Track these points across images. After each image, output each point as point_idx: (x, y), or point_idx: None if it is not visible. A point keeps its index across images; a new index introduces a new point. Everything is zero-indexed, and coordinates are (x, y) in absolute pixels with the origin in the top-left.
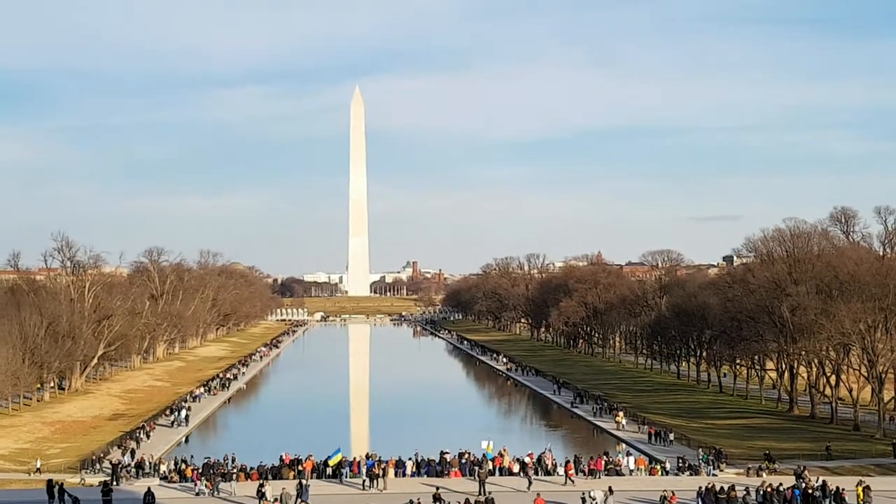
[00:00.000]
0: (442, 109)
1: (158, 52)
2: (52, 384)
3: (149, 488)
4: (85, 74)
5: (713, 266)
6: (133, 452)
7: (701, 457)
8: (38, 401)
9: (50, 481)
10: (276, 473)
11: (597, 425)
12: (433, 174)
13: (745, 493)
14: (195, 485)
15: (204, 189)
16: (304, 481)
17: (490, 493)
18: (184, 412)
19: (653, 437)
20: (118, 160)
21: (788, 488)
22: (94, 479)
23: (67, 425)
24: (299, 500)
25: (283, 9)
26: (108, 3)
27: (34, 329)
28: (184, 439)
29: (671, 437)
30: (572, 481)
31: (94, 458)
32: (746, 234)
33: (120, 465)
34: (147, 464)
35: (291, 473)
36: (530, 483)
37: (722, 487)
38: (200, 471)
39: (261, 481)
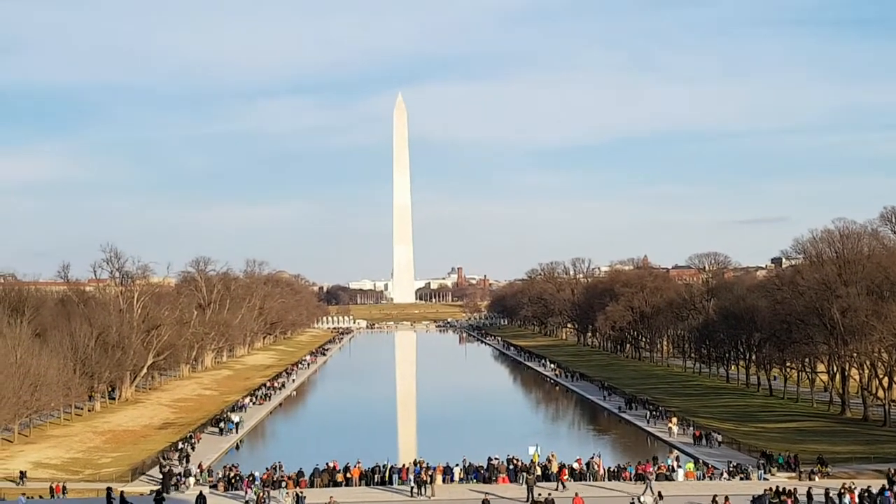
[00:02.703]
0: (484, 116)
1: (203, 64)
2: (102, 394)
3: (200, 492)
4: (131, 89)
5: (761, 268)
6: (186, 459)
7: (777, 458)
8: (88, 411)
9: (109, 490)
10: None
11: (643, 429)
12: (477, 181)
13: (836, 494)
14: (245, 493)
15: (249, 199)
16: (299, 492)
17: (546, 493)
18: (237, 417)
19: (699, 440)
20: (165, 173)
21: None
22: (146, 488)
23: (118, 434)
24: None
25: (325, 18)
26: (154, 18)
27: (84, 339)
28: (235, 447)
29: (718, 438)
30: (564, 486)
31: (144, 466)
32: (794, 235)
33: (170, 473)
34: (197, 472)
35: (340, 476)
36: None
37: (786, 489)
38: (250, 479)
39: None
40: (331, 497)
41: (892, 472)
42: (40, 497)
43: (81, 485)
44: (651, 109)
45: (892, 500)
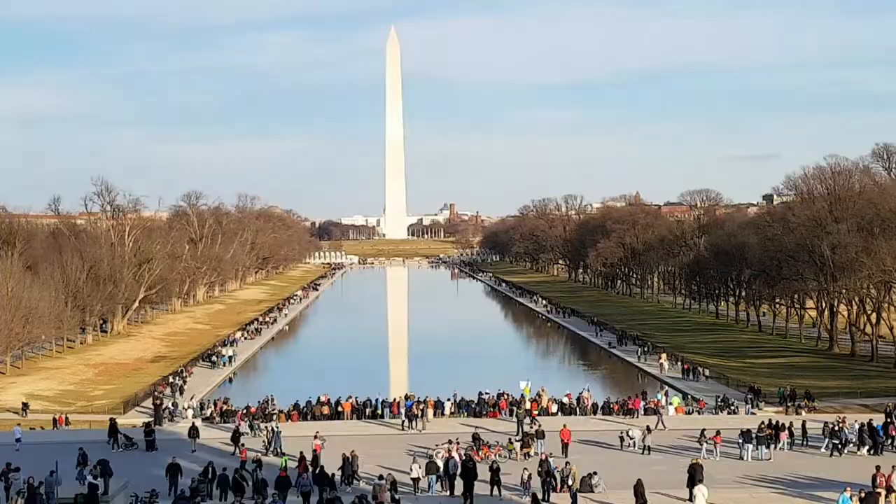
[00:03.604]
0: (479, 52)
1: None
2: (94, 327)
3: (193, 423)
4: (123, 22)
5: (752, 205)
6: (180, 391)
7: (778, 392)
8: (80, 343)
9: (112, 421)
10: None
11: (634, 365)
12: (470, 116)
13: (835, 427)
14: (239, 426)
15: (241, 134)
16: (275, 427)
17: (538, 425)
18: (230, 351)
19: (686, 374)
20: (156, 106)
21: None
22: (138, 420)
23: (110, 367)
24: (271, 447)
25: None
26: None
27: (76, 273)
28: (227, 380)
29: (706, 373)
30: (533, 420)
31: (137, 398)
32: (786, 172)
33: (162, 406)
34: (191, 404)
35: (326, 409)
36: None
37: (780, 422)
38: (244, 412)
39: (244, 422)
40: (317, 432)
41: (892, 406)
42: (41, 428)
43: (84, 416)
44: (646, 45)
45: (882, 435)
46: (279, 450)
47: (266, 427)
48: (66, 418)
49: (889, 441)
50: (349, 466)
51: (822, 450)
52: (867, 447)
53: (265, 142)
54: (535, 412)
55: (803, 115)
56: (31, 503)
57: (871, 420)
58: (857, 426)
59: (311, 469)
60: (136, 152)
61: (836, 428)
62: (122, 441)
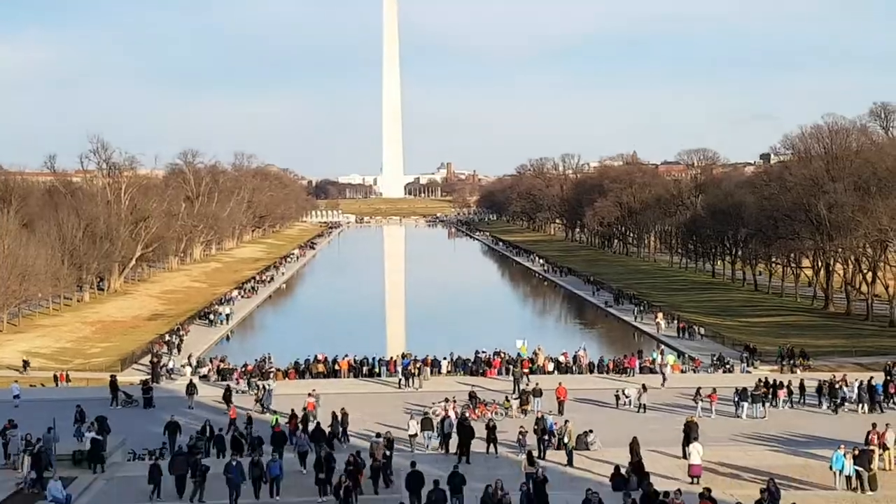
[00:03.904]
0: (476, 10)
1: None
2: (91, 285)
3: (191, 381)
4: None
5: (749, 164)
6: (178, 349)
7: (778, 350)
8: (77, 301)
9: (113, 378)
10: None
11: (630, 324)
12: (468, 75)
13: (836, 385)
14: (237, 383)
15: (238, 92)
16: (267, 385)
17: (533, 383)
18: (227, 309)
19: (682, 333)
20: (153, 64)
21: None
22: (135, 377)
23: (107, 325)
24: (262, 406)
25: None
26: None
27: (72, 230)
28: (225, 338)
29: (701, 331)
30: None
31: (134, 356)
32: (784, 132)
33: (159, 364)
34: (188, 362)
35: (321, 367)
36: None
37: (777, 380)
38: (242, 371)
39: (242, 380)
40: (312, 390)
41: (892, 364)
42: (42, 385)
43: (81, 374)
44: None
45: (882, 393)
46: (269, 407)
47: (258, 385)
48: (67, 375)
49: (888, 399)
50: (338, 424)
51: (822, 408)
52: (865, 405)
53: (262, 100)
54: (527, 370)
55: (802, 74)
56: (37, 462)
57: (871, 378)
58: (856, 384)
59: (301, 426)
60: (131, 110)
61: (836, 386)
62: (121, 398)
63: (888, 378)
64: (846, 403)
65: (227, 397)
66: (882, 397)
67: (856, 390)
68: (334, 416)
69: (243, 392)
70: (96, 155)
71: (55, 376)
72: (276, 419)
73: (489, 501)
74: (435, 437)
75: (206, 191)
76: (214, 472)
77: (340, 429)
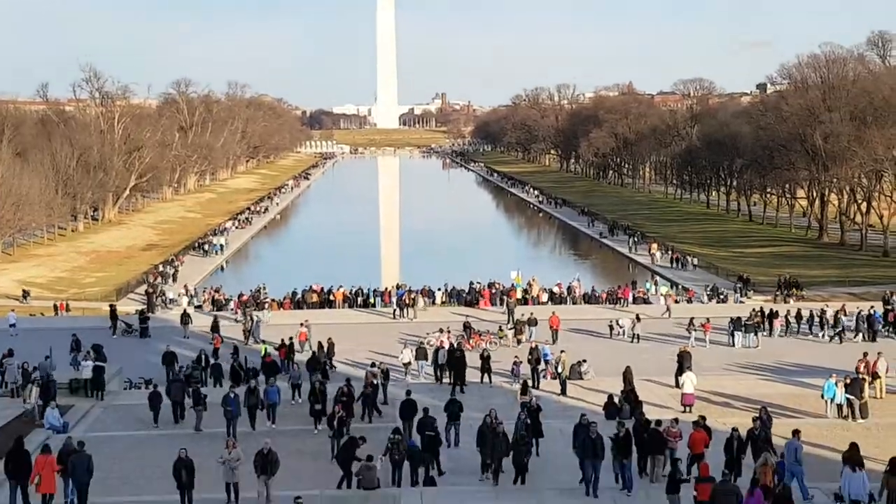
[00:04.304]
0: None
1: None
2: (85, 215)
3: (185, 310)
4: None
5: (746, 94)
6: (174, 278)
7: (777, 281)
8: (72, 231)
9: (112, 307)
10: (299, 303)
11: (625, 255)
12: (463, 4)
13: (826, 313)
14: (236, 314)
15: (231, 21)
16: (256, 315)
17: (530, 313)
18: (221, 240)
19: (675, 263)
20: None
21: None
22: (131, 307)
23: (102, 255)
24: (251, 336)
25: None
26: None
27: (66, 160)
28: (219, 268)
29: (694, 261)
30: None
31: (129, 286)
32: (780, 61)
33: (154, 294)
34: (183, 292)
35: (315, 297)
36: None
37: (773, 310)
38: (238, 301)
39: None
40: (305, 320)
41: (889, 294)
42: (42, 315)
43: (77, 303)
44: None
45: (881, 320)
46: (258, 338)
47: (247, 315)
48: (67, 305)
49: (888, 328)
50: (324, 354)
51: (821, 337)
52: (862, 334)
53: (256, 29)
54: (512, 300)
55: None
56: (45, 392)
57: (872, 308)
58: (855, 314)
59: (292, 356)
60: (125, 39)
61: (836, 315)
62: (121, 328)
63: (888, 307)
64: (845, 332)
65: (214, 327)
66: (882, 325)
67: (854, 320)
68: (320, 345)
69: (239, 322)
70: (89, 84)
71: (55, 306)
72: (266, 349)
73: (487, 431)
74: (428, 365)
75: (200, 121)
76: (211, 400)
77: (326, 359)
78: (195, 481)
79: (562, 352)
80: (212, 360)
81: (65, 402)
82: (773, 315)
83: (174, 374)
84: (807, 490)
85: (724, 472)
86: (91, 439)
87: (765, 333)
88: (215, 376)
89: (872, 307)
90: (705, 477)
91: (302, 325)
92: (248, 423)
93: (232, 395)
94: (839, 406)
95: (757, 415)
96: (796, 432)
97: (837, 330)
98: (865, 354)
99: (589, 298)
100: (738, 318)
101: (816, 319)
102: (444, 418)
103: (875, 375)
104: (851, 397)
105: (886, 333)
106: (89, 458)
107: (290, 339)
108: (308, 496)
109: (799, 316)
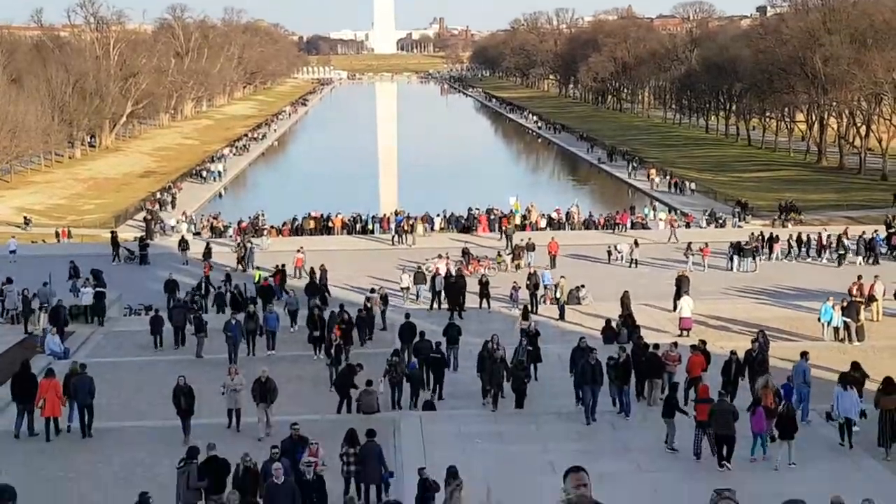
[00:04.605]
0: None
1: None
2: (82, 142)
3: (182, 237)
4: None
5: (746, 17)
6: (172, 205)
7: (778, 205)
8: (69, 158)
9: (114, 234)
10: (297, 229)
11: (623, 180)
12: None
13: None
14: (236, 241)
15: None
16: (249, 243)
17: (528, 238)
18: (219, 166)
19: (674, 188)
20: None
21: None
22: (129, 234)
23: (100, 182)
24: (245, 262)
25: None
26: None
27: (61, 86)
28: (218, 195)
29: (692, 186)
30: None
31: (127, 213)
32: None
33: (153, 221)
34: (181, 219)
35: (311, 224)
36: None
37: (773, 234)
38: (238, 228)
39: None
40: (301, 246)
41: (892, 217)
42: (43, 241)
43: (79, 230)
44: None
45: (882, 244)
46: (252, 264)
47: (241, 241)
48: (69, 231)
49: (890, 251)
50: (314, 279)
51: (822, 260)
52: (863, 258)
53: None
54: (506, 227)
55: None
56: (55, 318)
57: (876, 231)
58: (856, 237)
59: (285, 282)
60: None
61: (839, 238)
62: (123, 254)
63: (891, 231)
64: (848, 255)
65: (206, 254)
66: (884, 249)
67: (856, 243)
68: (312, 271)
69: (238, 247)
70: (83, 9)
71: (56, 232)
72: (260, 275)
73: (487, 357)
74: (426, 290)
75: (196, 47)
76: (211, 327)
77: (320, 284)
78: (195, 407)
79: (562, 277)
80: (212, 289)
81: (66, 329)
82: (773, 239)
83: (175, 301)
84: (807, 411)
85: (721, 392)
86: (92, 365)
87: (765, 258)
88: (217, 303)
89: (876, 231)
90: (704, 398)
91: (298, 251)
92: (247, 350)
93: (233, 322)
94: (836, 329)
95: (754, 338)
96: (804, 354)
97: (840, 253)
98: (859, 277)
99: (587, 224)
100: (739, 243)
101: (815, 243)
102: (443, 343)
103: (872, 298)
104: (848, 320)
105: (889, 257)
106: (91, 380)
107: (283, 265)
108: (308, 421)
109: (800, 240)
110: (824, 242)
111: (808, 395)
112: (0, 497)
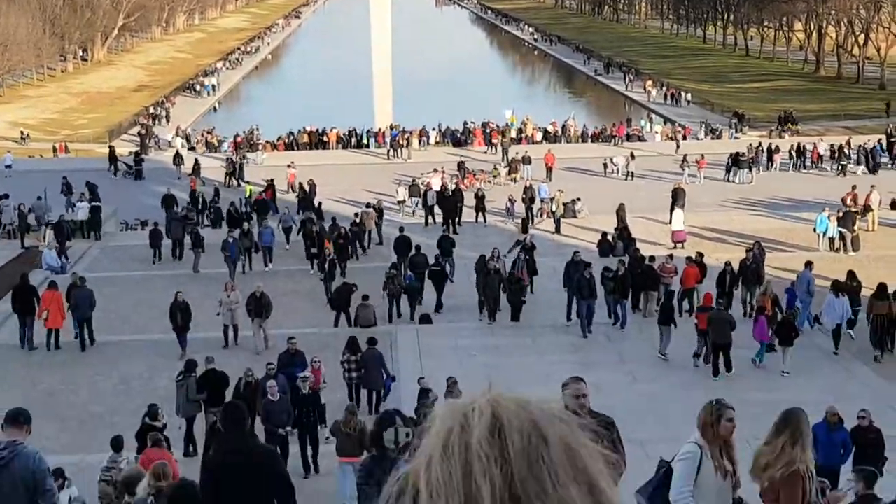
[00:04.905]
0: None
1: None
2: (74, 55)
3: (177, 151)
4: None
5: None
6: (166, 119)
7: (779, 116)
8: (62, 72)
9: (111, 149)
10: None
11: (620, 92)
12: None
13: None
14: (233, 154)
15: None
16: (233, 157)
17: (524, 151)
18: (213, 80)
19: (670, 99)
20: None
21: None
22: (124, 149)
23: (93, 96)
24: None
25: None
26: None
27: None
28: (212, 109)
29: (687, 97)
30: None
31: (121, 128)
32: None
33: (148, 136)
34: (176, 133)
35: (305, 138)
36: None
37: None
38: (234, 142)
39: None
40: (291, 161)
41: (893, 127)
42: (41, 156)
43: (76, 145)
44: None
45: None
46: (242, 179)
47: (228, 156)
48: (66, 146)
49: (891, 161)
50: (303, 193)
51: (825, 169)
52: (862, 167)
53: None
54: (496, 140)
55: None
56: (59, 232)
57: (880, 139)
58: (856, 147)
59: (275, 196)
60: None
61: (840, 148)
62: (122, 168)
63: (892, 140)
64: (849, 165)
65: (195, 170)
66: (885, 158)
67: (856, 153)
68: (301, 186)
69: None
70: None
71: (54, 147)
72: (251, 190)
73: (481, 270)
74: (421, 208)
75: None
76: (208, 242)
77: (310, 199)
78: (191, 323)
79: (559, 191)
80: (210, 203)
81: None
82: (773, 150)
83: (173, 214)
84: (804, 321)
85: (719, 301)
86: (89, 280)
87: (760, 169)
88: (213, 219)
89: (880, 139)
90: (707, 306)
91: (289, 166)
92: (244, 267)
93: (231, 240)
94: (831, 239)
95: (749, 248)
96: (809, 264)
97: (842, 163)
98: (854, 188)
99: (584, 136)
100: (736, 154)
101: (809, 152)
102: (438, 253)
103: (867, 208)
104: (843, 230)
105: (890, 166)
106: (91, 293)
107: (272, 179)
108: (306, 334)
109: (799, 150)
110: (821, 152)
111: (809, 304)
112: (15, 420)
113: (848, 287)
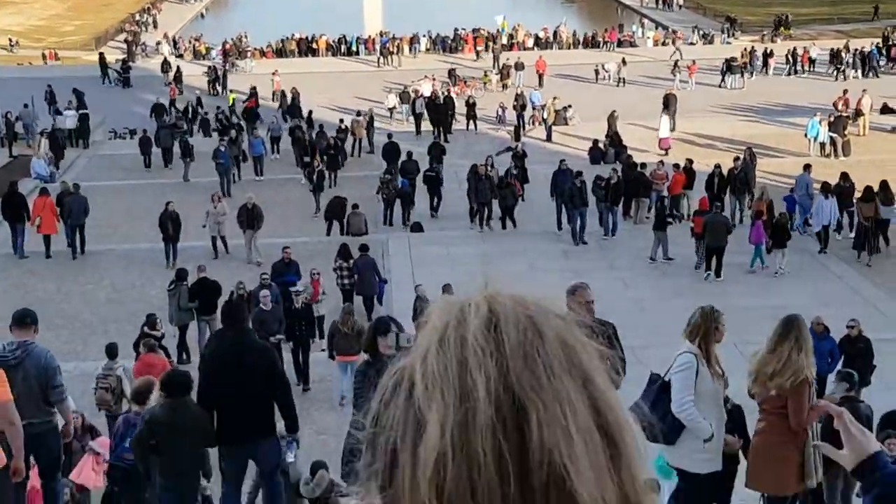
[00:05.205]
0: None
1: None
2: None
3: (165, 58)
4: None
5: None
6: (154, 25)
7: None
8: None
9: (101, 56)
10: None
11: None
12: None
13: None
14: (224, 62)
15: None
16: (218, 66)
17: (517, 57)
18: None
19: (661, 4)
20: None
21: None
22: (111, 57)
23: (79, 3)
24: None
25: None
26: None
27: None
28: (199, 16)
29: (679, 2)
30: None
31: (108, 35)
32: None
33: (135, 43)
34: (163, 41)
35: (293, 45)
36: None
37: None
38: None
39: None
40: (275, 70)
41: (891, 29)
42: (30, 64)
43: (64, 52)
44: None
45: (879, 59)
46: (225, 87)
47: (211, 64)
48: (56, 54)
49: (890, 65)
50: (286, 102)
51: (828, 73)
52: (859, 71)
53: None
54: (481, 48)
55: None
56: (54, 142)
57: (876, 44)
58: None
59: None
60: None
61: (838, 52)
62: (113, 76)
63: (890, 43)
64: (847, 69)
65: (176, 78)
66: (883, 61)
67: (852, 56)
68: (283, 94)
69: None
70: None
71: (43, 55)
72: (234, 99)
73: (472, 176)
74: (410, 110)
75: None
76: (197, 150)
77: (294, 107)
78: (181, 233)
79: (554, 98)
80: (199, 112)
81: (49, 152)
82: (768, 55)
83: (162, 123)
84: (801, 226)
85: (717, 205)
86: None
87: (754, 74)
88: (202, 127)
89: (877, 43)
90: (703, 210)
91: (274, 74)
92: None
93: (222, 148)
94: (822, 144)
95: (736, 156)
96: (807, 166)
97: (839, 67)
98: (845, 92)
99: (576, 43)
100: (730, 59)
101: (800, 57)
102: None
103: (859, 113)
104: (834, 135)
105: (890, 70)
106: (85, 200)
107: (255, 87)
108: (299, 243)
109: (794, 54)
110: (812, 56)
111: (809, 207)
112: (22, 321)
113: (840, 188)
